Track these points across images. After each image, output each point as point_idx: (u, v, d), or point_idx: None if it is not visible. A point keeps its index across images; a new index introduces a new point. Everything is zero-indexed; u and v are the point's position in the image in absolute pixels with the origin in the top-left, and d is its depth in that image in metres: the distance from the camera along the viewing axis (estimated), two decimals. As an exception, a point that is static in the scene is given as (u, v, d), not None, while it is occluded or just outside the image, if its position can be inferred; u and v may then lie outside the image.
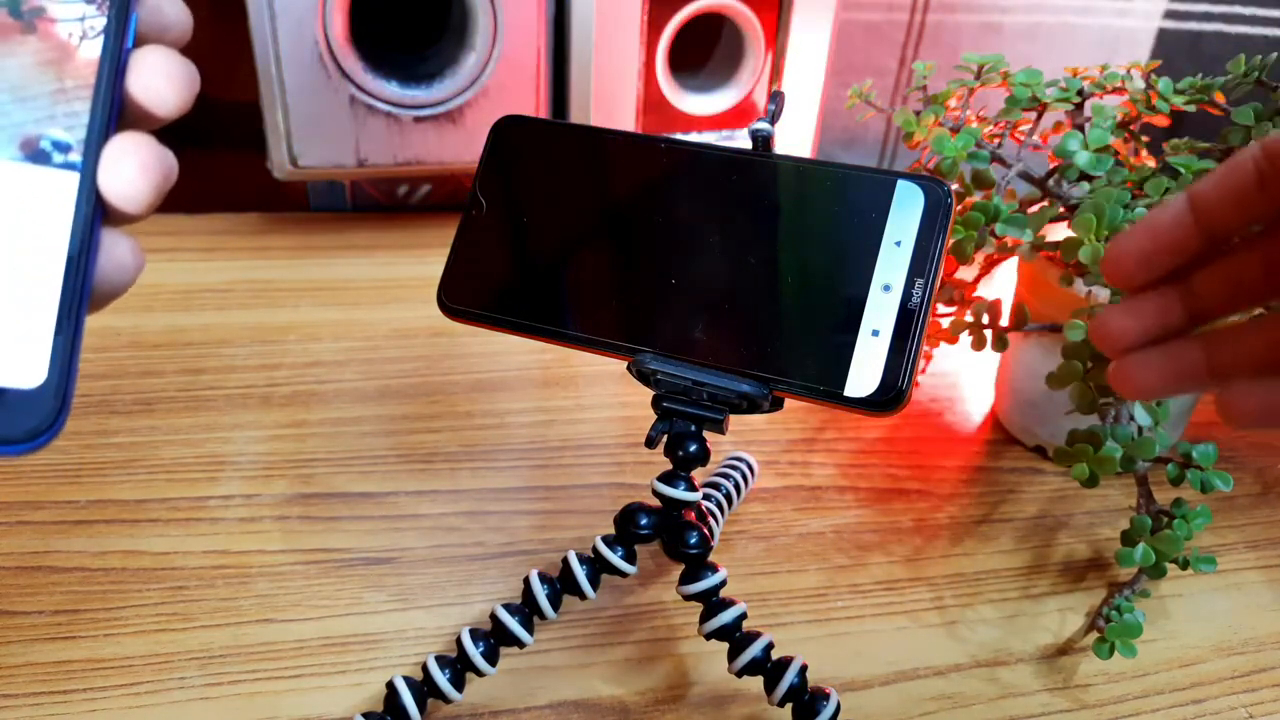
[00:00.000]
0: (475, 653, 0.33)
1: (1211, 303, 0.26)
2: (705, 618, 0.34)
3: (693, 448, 0.33)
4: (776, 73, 0.65)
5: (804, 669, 0.33)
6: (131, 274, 0.22)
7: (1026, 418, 0.51)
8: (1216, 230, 0.25)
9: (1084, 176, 0.43)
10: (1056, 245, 0.41)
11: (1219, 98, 0.45)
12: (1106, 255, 0.26)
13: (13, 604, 0.38)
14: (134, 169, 0.21)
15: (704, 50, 0.68)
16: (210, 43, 0.62)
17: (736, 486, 0.44)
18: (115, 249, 0.22)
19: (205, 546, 0.41)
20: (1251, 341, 0.25)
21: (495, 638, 0.34)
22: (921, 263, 0.29)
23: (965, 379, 0.56)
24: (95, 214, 0.21)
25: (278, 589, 0.40)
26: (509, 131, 0.35)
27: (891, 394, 0.29)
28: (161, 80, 0.22)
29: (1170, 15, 0.70)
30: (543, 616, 0.34)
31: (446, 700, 0.33)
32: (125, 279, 0.22)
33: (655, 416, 0.32)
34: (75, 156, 0.21)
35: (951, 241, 0.41)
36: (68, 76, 0.21)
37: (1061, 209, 0.43)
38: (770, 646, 0.34)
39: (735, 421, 0.32)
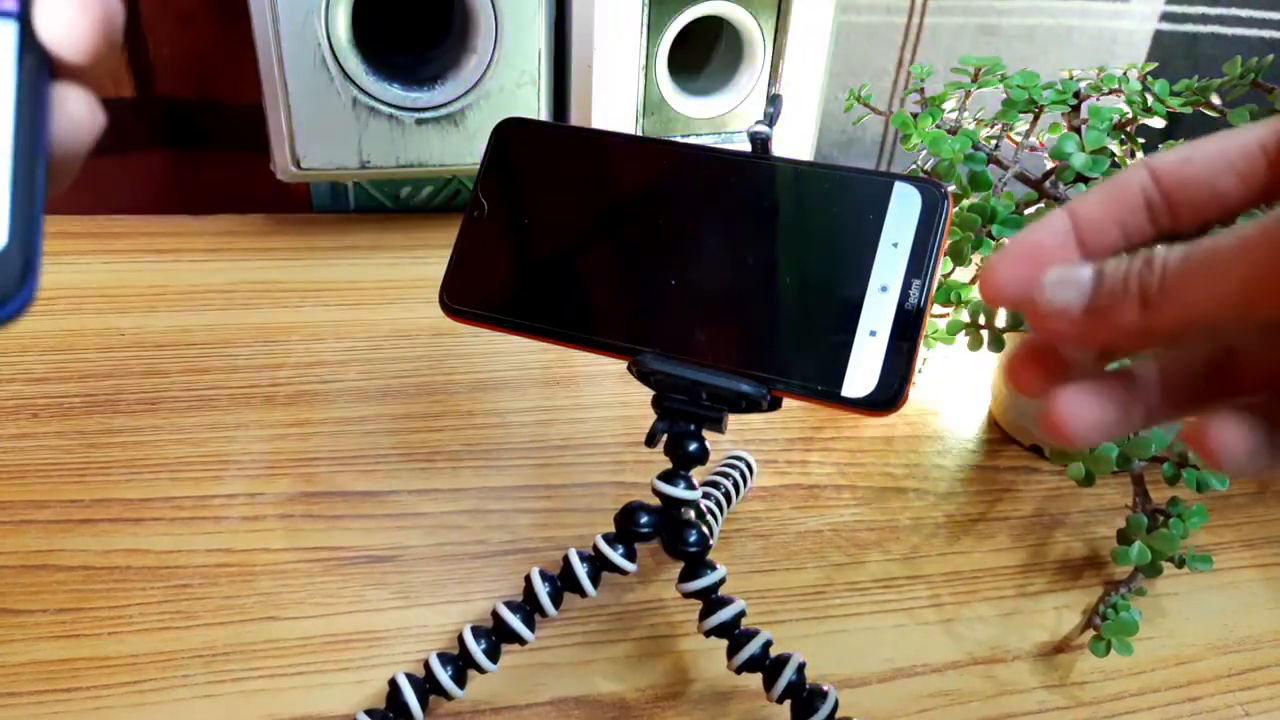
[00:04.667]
0: (477, 650, 0.34)
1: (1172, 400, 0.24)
2: (704, 615, 0.34)
3: (692, 447, 0.33)
4: (775, 75, 0.65)
5: (802, 666, 0.34)
6: (89, 130, 0.21)
7: (1023, 417, 0.51)
8: (1095, 253, 0.24)
9: (1080, 178, 0.43)
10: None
11: (1215, 100, 0.45)
12: (983, 274, 0.24)
13: (17, 602, 0.38)
14: (72, 9, 0.20)
15: (703, 53, 0.68)
16: (214, 45, 0.63)
17: (735, 485, 0.45)
18: (67, 103, 0.21)
19: (209, 545, 0.42)
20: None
21: (497, 635, 0.34)
22: (919, 264, 0.30)
23: (962, 379, 0.57)
24: (40, 65, 0.20)
25: (281, 587, 0.40)
26: (510, 134, 0.35)
27: (889, 394, 0.29)
28: None
29: (1167, 18, 0.71)
30: (544, 614, 0.34)
31: (449, 697, 0.34)
32: (82, 135, 0.21)
33: (655, 416, 0.33)
34: (9, 4, 0.20)
35: (949, 243, 0.41)
36: None
37: (1058, 210, 0.44)
38: (769, 644, 0.34)
39: (734, 421, 0.32)
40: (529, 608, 0.34)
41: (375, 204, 0.70)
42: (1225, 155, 0.23)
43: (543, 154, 0.35)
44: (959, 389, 0.56)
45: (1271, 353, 0.23)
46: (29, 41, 0.20)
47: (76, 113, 0.21)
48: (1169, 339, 0.21)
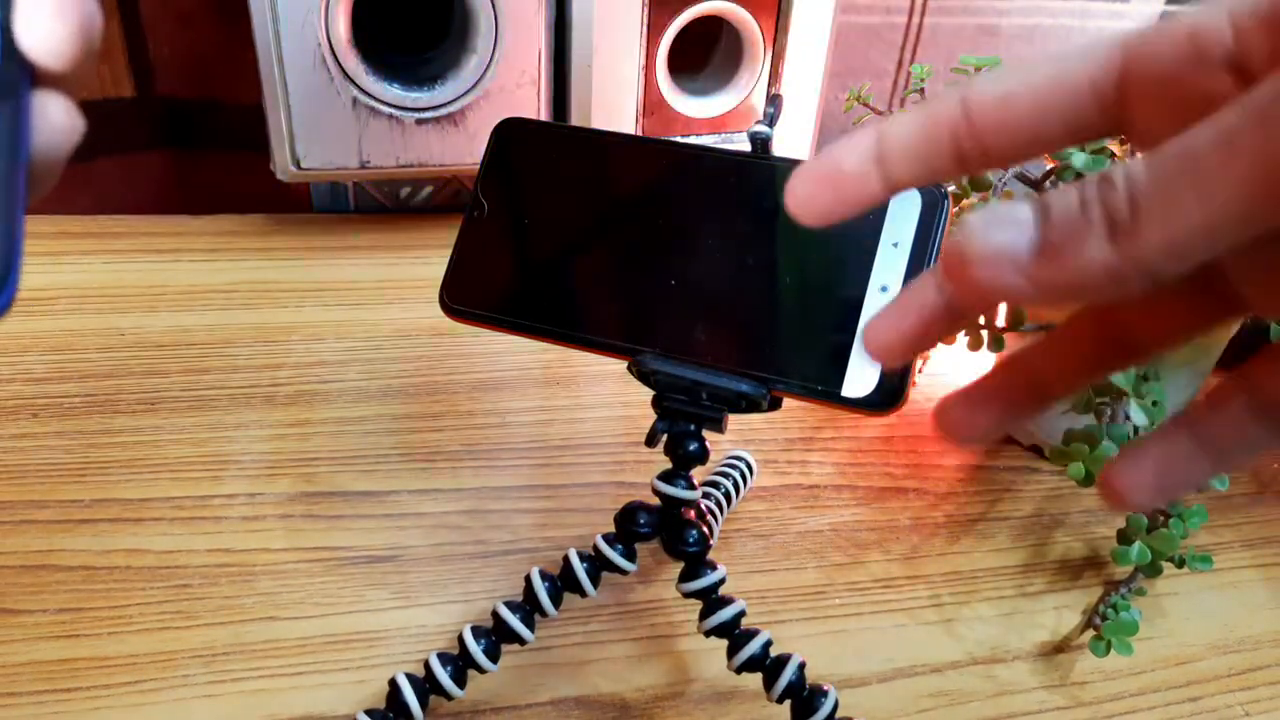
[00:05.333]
0: (477, 650, 0.34)
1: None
2: (704, 615, 0.34)
3: (692, 447, 0.33)
4: (775, 76, 0.65)
5: (802, 666, 0.34)
6: (68, 136, 0.21)
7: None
8: (895, 185, 0.22)
9: (1080, 178, 0.43)
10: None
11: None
12: (786, 193, 0.22)
13: (17, 602, 0.38)
14: (51, 17, 0.20)
15: (703, 53, 0.68)
16: (214, 45, 0.63)
17: (735, 485, 0.45)
18: (48, 110, 0.21)
19: (209, 545, 0.42)
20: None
21: (497, 635, 0.34)
22: (919, 264, 0.30)
23: (962, 379, 0.57)
24: (19, 72, 0.20)
25: (281, 587, 0.40)
26: (510, 134, 0.35)
27: (888, 394, 0.29)
28: None
29: (1166, 17, 0.71)
30: (544, 614, 0.34)
31: (449, 697, 0.34)
32: (62, 142, 0.21)
33: (655, 416, 0.33)
34: None
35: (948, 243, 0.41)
36: None
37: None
38: (769, 643, 0.34)
39: (734, 421, 0.32)
40: (529, 608, 0.34)
41: (375, 204, 0.70)
42: (1053, 95, 0.20)
43: (543, 154, 0.35)
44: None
45: (1263, 274, 0.20)
46: (8, 49, 0.20)
47: (57, 119, 0.21)
48: (1150, 272, 0.17)
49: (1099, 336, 0.23)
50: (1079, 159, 0.43)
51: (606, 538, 0.34)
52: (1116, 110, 0.20)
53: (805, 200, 0.22)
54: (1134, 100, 0.20)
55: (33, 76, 0.21)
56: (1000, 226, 0.18)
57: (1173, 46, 0.19)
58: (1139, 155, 0.17)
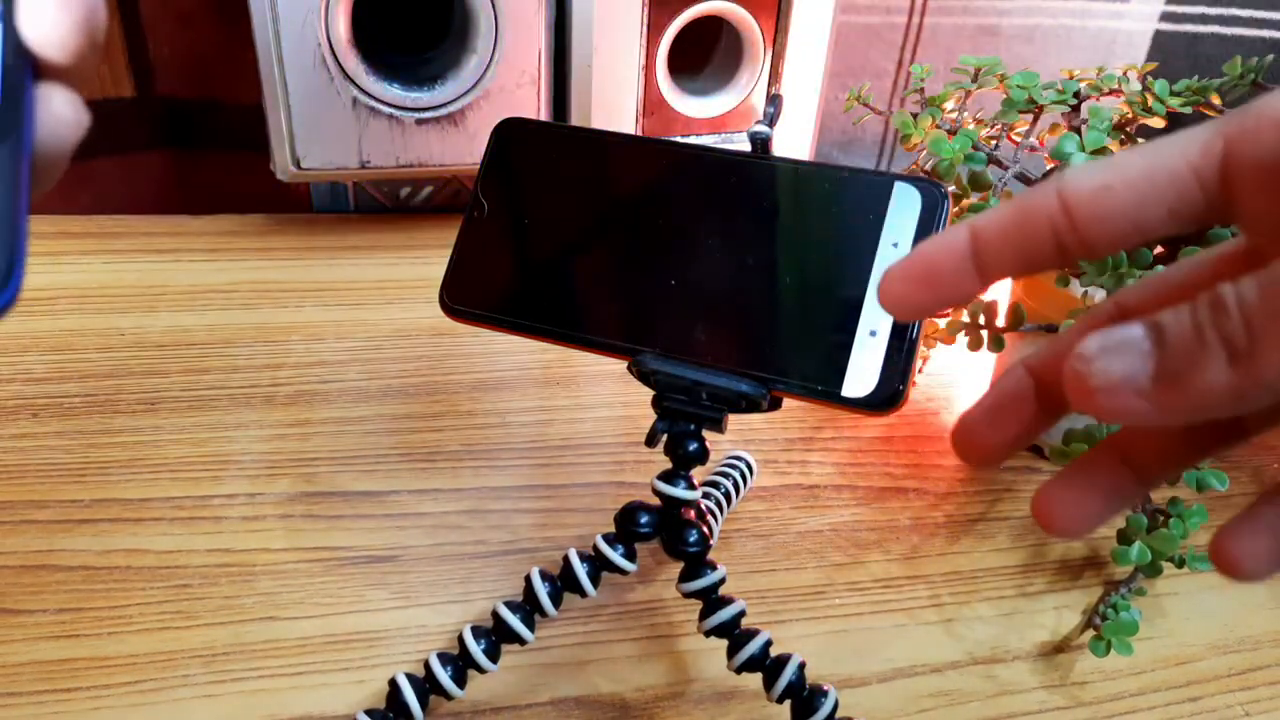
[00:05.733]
0: (477, 650, 0.34)
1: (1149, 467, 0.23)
2: (704, 615, 0.34)
3: (692, 447, 0.33)
4: (775, 75, 0.65)
5: (802, 666, 0.34)
6: (73, 130, 0.21)
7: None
8: (990, 276, 0.22)
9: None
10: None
11: (1215, 100, 0.45)
12: (880, 287, 0.23)
13: (17, 602, 0.38)
14: (54, 8, 0.20)
15: (703, 53, 0.68)
16: (214, 45, 0.63)
17: (735, 485, 0.45)
18: (52, 103, 0.21)
19: (209, 545, 0.42)
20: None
21: (497, 635, 0.34)
22: (918, 263, 0.30)
23: (962, 379, 0.57)
24: (23, 65, 0.20)
25: (281, 587, 0.40)
26: (510, 134, 0.35)
27: (888, 394, 0.29)
28: None
29: (1166, 18, 0.71)
30: (544, 614, 0.34)
31: (449, 697, 0.34)
32: (67, 135, 0.21)
33: (655, 416, 0.33)
34: None
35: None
36: None
37: (1058, 210, 0.44)
38: (769, 643, 0.34)
39: (734, 421, 0.32)
40: (529, 608, 0.34)
41: (375, 204, 0.70)
42: (1152, 183, 0.20)
43: (543, 154, 0.35)
44: (959, 389, 0.56)
45: None
46: (12, 41, 0.20)
47: (61, 112, 0.21)
48: (1273, 389, 0.17)
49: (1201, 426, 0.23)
50: (1079, 160, 0.42)
51: (606, 538, 0.34)
52: (1222, 197, 0.20)
53: (900, 298, 0.22)
54: (1240, 187, 0.20)
55: (36, 69, 0.21)
56: (1118, 354, 0.18)
57: (1276, 132, 0.19)
58: (1248, 276, 0.17)
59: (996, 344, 0.43)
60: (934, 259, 0.22)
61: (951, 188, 0.44)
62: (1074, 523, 0.23)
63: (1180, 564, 0.39)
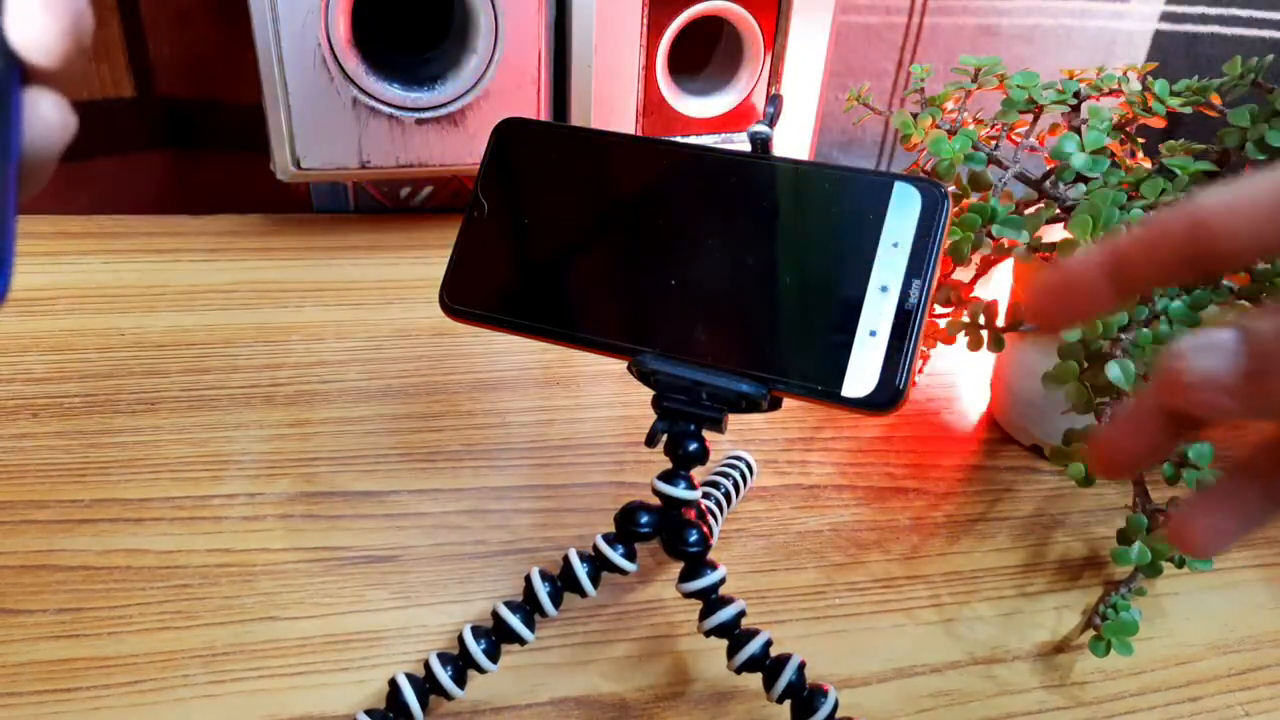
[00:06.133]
0: (477, 650, 0.34)
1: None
2: (704, 615, 0.34)
3: (692, 447, 0.33)
4: (775, 75, 0.65)
5: (802, 666, 0.34)
6: (60, 133, 0.21)
7: (1023, 417, 0.51)
8: (1124, 292, 0.24)
9: (1080, 178, 0.43)
10: (1053, 246, 0.41)
11: (1215, 100, 0.45)
12: (1026, 304, 0.25)
13: (17, 602, 0.38)
14: (41, 13, 0.20)
15: (703, 53, 0.68)
16: (214, 45, 0.63)
17: (735, 485, 0.45)
18: (39, 107, 0.21)
19: (209, 545, 0.42)
20: None
21: (497, 635, 0.34)
22: (919, 264, 0.30)
23: (962, 379, 0.57)
24: (10, 69, 0.20)
25: (281, 587, 0.40)
26: (510, 134, 0.35)
27: (888, 394, 0.29)
28: None
29: (1166, 18, 0.71)
30: (544, 614, 0.34)
31: (449, 697, 0.34)
32: (54, 138, 0.21)
33: (655, 416, 0.33)
34: None
35: (948, 243, 0.41)
36: None
37: (1058, 210, 0.44)
38: (769, 643, 0.34)
39: (734, 421, 0.32)
40: (529, 608, 0.34)
41: (375, 204, 0.70)
42: (1275, 201, 0.21)
43: (543, 154, 0.35)
44: (959, 389, 0.56)
45: None
46: None
47: (48, 116, 0.21)
48: None
49: None
50: (1078, 160, 0.43)
51: (606, 538, 0.34)
52: None
53: (1041, 311, 0.24)
54: None
55: (23, 73, 0.21)
56: (1210, 353, 0.21)
57: None
58: None
59: (997, 344, 0.43)
60: (1075, 274, 0.24)
61: (951, 188, 0.44)
62: (1212, 546, 0.24)
63: (1180, 564, 0.39)
